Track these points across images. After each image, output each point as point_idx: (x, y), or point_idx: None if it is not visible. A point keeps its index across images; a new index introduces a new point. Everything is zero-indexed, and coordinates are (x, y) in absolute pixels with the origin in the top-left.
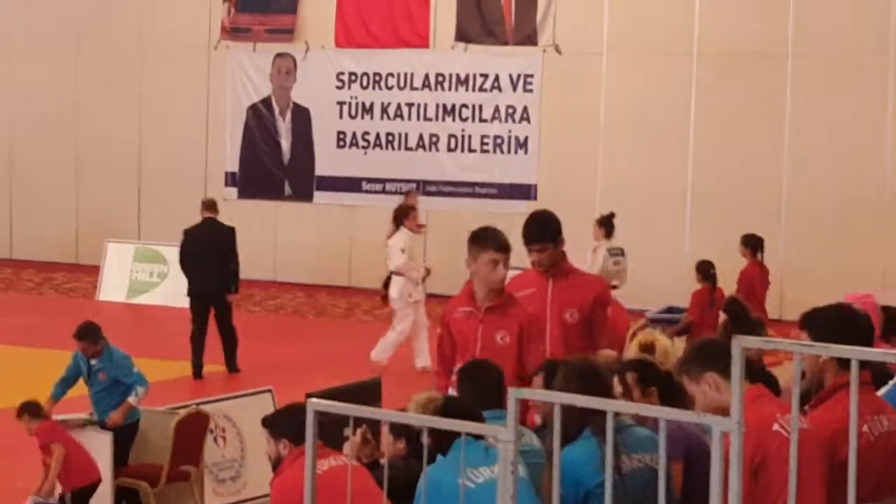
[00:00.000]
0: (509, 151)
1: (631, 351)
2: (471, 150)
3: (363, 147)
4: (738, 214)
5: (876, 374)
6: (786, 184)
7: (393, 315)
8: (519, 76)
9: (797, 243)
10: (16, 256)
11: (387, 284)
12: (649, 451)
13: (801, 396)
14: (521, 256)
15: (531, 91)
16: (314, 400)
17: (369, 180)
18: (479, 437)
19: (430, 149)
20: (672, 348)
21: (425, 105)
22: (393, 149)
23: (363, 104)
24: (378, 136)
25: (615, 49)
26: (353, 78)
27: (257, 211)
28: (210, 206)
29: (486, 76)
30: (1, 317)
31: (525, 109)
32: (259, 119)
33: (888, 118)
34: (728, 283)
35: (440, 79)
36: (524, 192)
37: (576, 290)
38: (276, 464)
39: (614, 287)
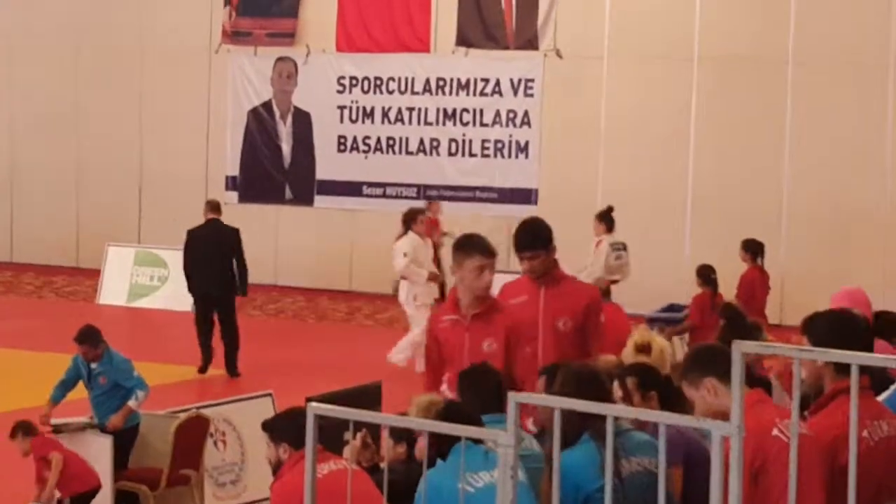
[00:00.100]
0: (510, 156)
1: (627, 351)
2: (471, 155)
3: (364, 151)
4: (738, 219)
5: (876, 379)
6: (786, 189)
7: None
8: (520, 81)
9: (797, 248)
10: (16, 259)
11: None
12: (648, 455)
13: (800, 401)
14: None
15: (532, 95)
16: (314, 404)
17: (370, 184)
18: (478, 442)
19: (431, 153)
20: (669, 348)
21: (426, 109)
22: (394, 153)
23: (364, 108)
24: (379, 140)
25: (616, 54)
26: (353, 82)
27: (258, 215)
28: (214, 207)
29: (486, 80)
30: (1, 320)
31: (526, 114)
32: (260, 123)
33: (888, 125)
34: (728, 288)
35: (441, 83)
36: (525, 196)
37: (568, 297)
38: (277, 468)
39: (615, 281)
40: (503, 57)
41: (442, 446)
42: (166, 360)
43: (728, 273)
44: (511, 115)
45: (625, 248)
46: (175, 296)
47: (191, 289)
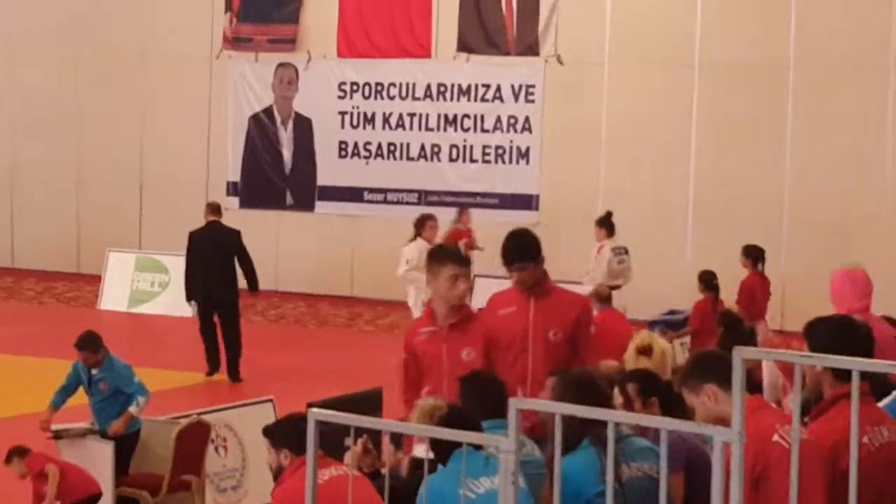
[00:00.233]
0: (511, 162)
1: (629, 354)
2: (472, 161)
3: (365, 157)
4: (739, 225)
5: (879, 384)
6: (787, 194)
7: None
8: (521, 86)
9: (798, 253)
10: (17, 265)
11: None
12: (648, 461)
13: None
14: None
15: (533, 101)
16: (315, 410)
17: (371, 190)
18: (478, 448)
19: (432, 159)
20: (670, 350)
21: (427, 115)
22: (395, 159)
23: (365, 114)
24: (380, 146)
25: (617, 60)
26: (354, 88)
27: (259, 220)
28: (215, 209)
29: (487, 86)
30: (2, 326)
31: (527, 120)
32: (261, 129)
33: (889, 130)
34: (729, 294)
35: (442, 89)
36: (526, 202)
37: (559, 308)
38: (277, 473)
39: (618, 286)
40: (504, 63)
41: (442, 451)
42: (167, 366)
43: (729, 278)
44: (512, 120)
45: (626, 252)
46: (176, 302)
47: (193, 292)
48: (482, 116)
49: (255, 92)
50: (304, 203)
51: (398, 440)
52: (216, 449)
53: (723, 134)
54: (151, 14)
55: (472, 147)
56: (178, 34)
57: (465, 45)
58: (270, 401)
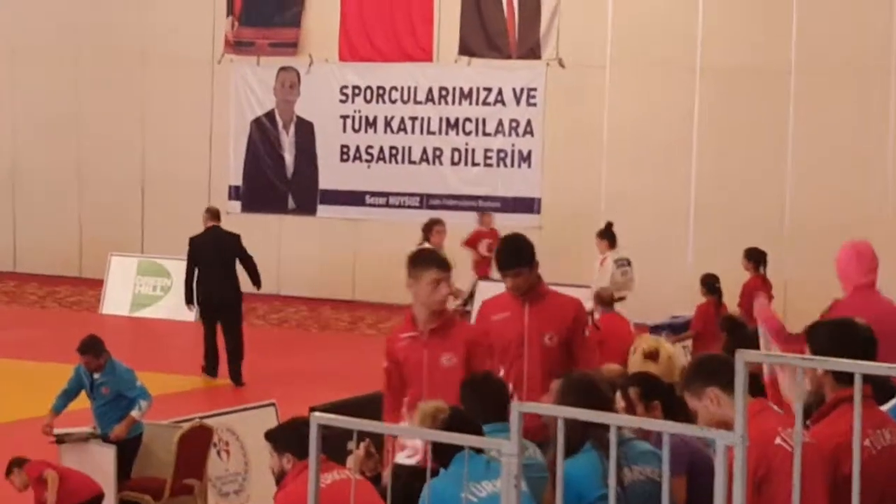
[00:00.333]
0: (513, 165)
1: (635, 359)
2: (474, 164)
3: (367, 161)
4: (741, 228)
5: (883, 387)
6: (788, 197)
7: None
8: (522, 90)
9: (800, 256)
10: (19, 270)
11: None
12: (650, 464)
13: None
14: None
15: (534, 105)
16: (317, 414)
17: (373, 194)
18: (479, 451)
19: (434, 162)
20: (677, 355)
21: (429, 119)
22: (396, 162)
23: (367, 118)
24: (381, 149)
25: (618, 63)
26: (356, 91)
27: (261, 224)
28: (214, 214)
29: (489, 90)
30: (4, 330)
31: (528, 123)
32: (262, 133)
33: (890, 133)
34: (731, 297)
35: (444, 92)
36: (528, 205)
37: (554, 312)
38: (280, 477)
39: (621, 298)
40: (506, 66)
41: (445, 455)
42: (169, 370)
43: (731, 282)
44: (514, 124)
45: (629, 263)
46: (178, 306)
47: (196, 297)
48: (484, 120)
49: (257, 96)
50: (306, 207)
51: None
52: (218, 453)
53: (724, 137)
54: (153, 17)
55: (473, 150)
56: (180, 37)
57: (466, 49)
58: (273, 405)
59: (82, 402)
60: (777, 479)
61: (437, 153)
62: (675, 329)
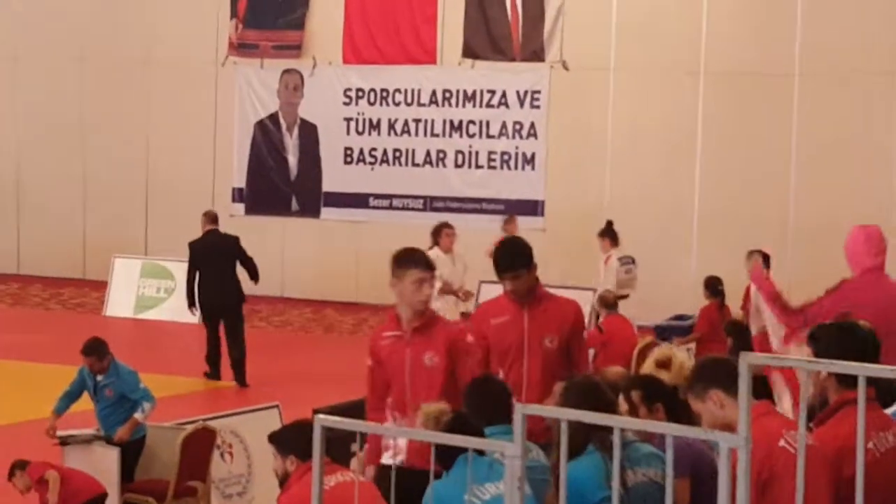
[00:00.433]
0: (516, 167)
1: (647, 367)
2: (478, 166)
3: (370, 163)
4: (745, 231)
5: (889, 390)
6: (792, 199)
7: None
8: (526, 92)
9: (804, 259)
10: (23, 272)
11: None
12: (653, 467)
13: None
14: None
15: (538, 107)
16: (321, 416)
17: (376, 196)
18: (481, 453)
19: (438, 165)
20: (689, 363)
21: (432, 121)
22: (400, 165)
23: (370, 120)
24: (385, 152)
25: (622, 66)
26: (360, 94)
27: (264, 227)
28: (212, 218)
29: (493, 92)
30: (8, 332)
31: (532, 125)
32: (266, 135)
33: (894, 135)
34: (735, 300)
35: (447, 95)
36: (531, 208)
37: (553, 315)
38: (283, 480)
39: (624, 297)
40: (509, 69)
41: (447, 457)
42: (173, 372)
43: (734, 284)
44: (517, 126)
45: (633, 261)
46: (182, 308)
47: (198, 301)
48: (487, 122)
49: (261, 98)
50: (310, 209)
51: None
52: (222, 455)
53: (728, 140)
54: (157, 20)
55: (477, 153)
56: (184, 40)
57: (470, 51)
58: (276, 407)
59: (86, 404)
60: (781, 481)
61: (441, 155)
62: (679, 332)
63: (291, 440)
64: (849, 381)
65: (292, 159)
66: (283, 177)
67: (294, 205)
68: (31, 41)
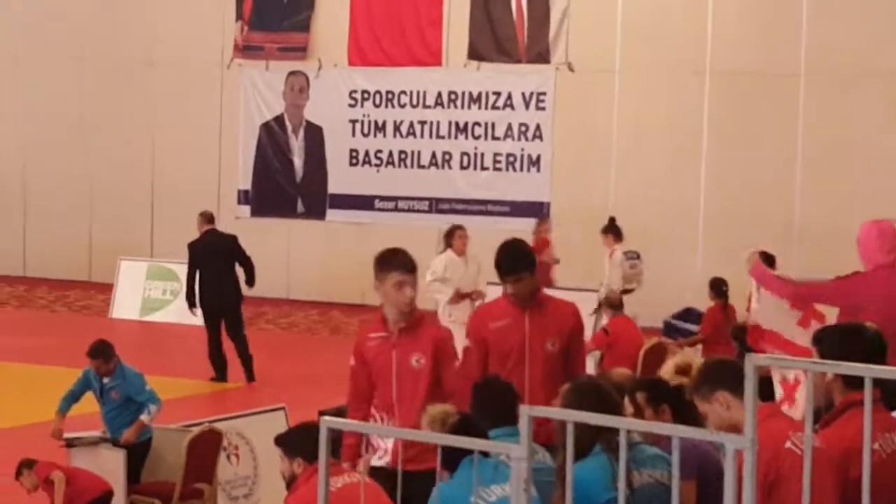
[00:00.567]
0: (522, 169)
1: (667, 373)
2: (483, 168)
3: (376, 165)
4: (750, 231)
5: (893, 391)
6: (798, 200)
7: None
8: (531, 94)
9: (810, 261)
10: (29, 274)
11: None
12: (659, 468)
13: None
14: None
15: (544, 109)
16: (327, 418)
17: (382, 198)
18: (487, 455)
19: (443, 166)
20: None
21: (438, 123)
22: (406, 167)
23: (376, 122)
24: (391, 153)
25: (628, 67)
26: (365, 96)
27: (270, 229)
28: (209, 218)
29: (498, 94)
30: (14, 334)
31: (538, 127)
32: (272, 137)
33: None
34: (740, 301)
35: (453, 97)
36: (537, 209)
37: (554, 318)
38: (291, 482)
39: (631, 290)
40: (515, 70)
41: (453, 459)
42: (179, 374)
43: (740, 285)
44: (523, 128)
45: (638, 256)
46: (187, 310)
47: (200, 301)
48: (493, 124)
49: (266, 100)
50: (315, 211)
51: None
52: (228, 457)
53: (733, 140)
54: (162, 22)
55: (482, 155)
56: (189, 42)
57: (475, 53)
58: (282, 409)
59: (92, 406)
60: (787, 483)
61: (447, 157)
62: (686, 333)
63: (298, 442)
64: (855, 383)
65: (298, 161)
66: (288, 179)
67: (300, 207)
68: (34, 42)
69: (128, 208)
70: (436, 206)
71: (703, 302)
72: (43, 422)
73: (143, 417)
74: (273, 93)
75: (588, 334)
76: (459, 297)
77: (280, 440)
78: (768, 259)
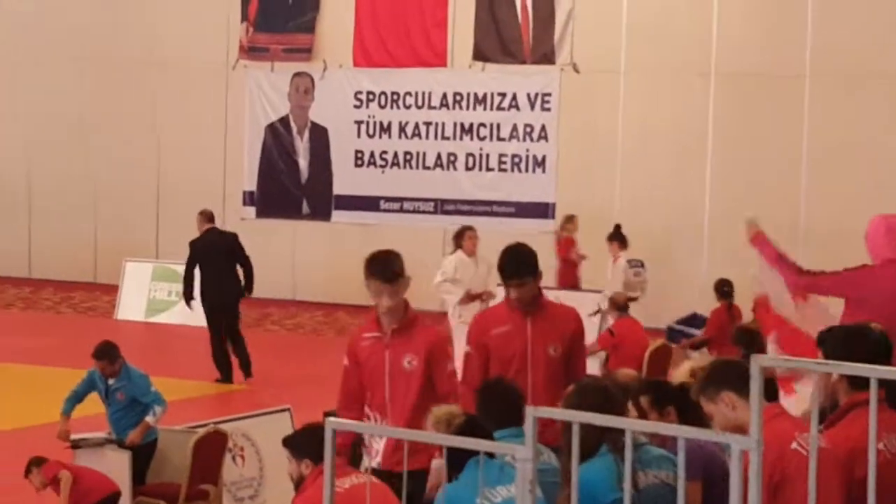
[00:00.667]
0: (527, 170)
1: (681, 376)
2: (489, 169)
3: (381, 166)
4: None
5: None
6: (803, 201)
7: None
8: (537, 95)
9: (815, 260)
10: (34, 275)
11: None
12: (664, 469)
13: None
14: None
15: (549, 110)
16: (332, 419)
17: (387, 199)
18: (492, 456)
19: (448, 168)
20: None
21: (443, 124)
22: (411, 168)
23: (381, 123)
24: (396, 155)
25: (633, 68)
26: (370, 97)
27: (275, 230)
28: (209, 217)
29: (503, 95)
30: (19, 336)
31: (543, 128)
32: (277, 138)
33: None
34: (746, 302)
35: (458, 98)
36: (542, 210)
37: (556, 323)
38: (299, 483)
39: (634, 298)
40: (520, 71)
41: (458, 460)
42: (184, 376)
43: (746, 287)
44: (528, 129)
45: (642, 264)
46: (193, 311)
47: (200, 301)
48: (498, 125)
49: (271, 101)
50: (321, 212)
51: None
52: (233, 458)
53: (739, 141)
54: (167, 23)
55: (488, 156)
56: (194, 44)
57: (480, 54)
58: (287, 410)
59: (98, 407)
60: (793, 483)
61: (452, 158)
62: (689, 337)
63: (306, 444)
64: (860, 384)
65: (303, 162)
66: (293, 180)
67: (305, 208)
68: (39, 42)
69: (133, 209)
70: (441, 207)
71: (708, 302)
72: (48, 423)
73: (149, 419)
74: (278, 94)
75: (589, 336)
76: (470, 297)
77: (288, 441)
78: None
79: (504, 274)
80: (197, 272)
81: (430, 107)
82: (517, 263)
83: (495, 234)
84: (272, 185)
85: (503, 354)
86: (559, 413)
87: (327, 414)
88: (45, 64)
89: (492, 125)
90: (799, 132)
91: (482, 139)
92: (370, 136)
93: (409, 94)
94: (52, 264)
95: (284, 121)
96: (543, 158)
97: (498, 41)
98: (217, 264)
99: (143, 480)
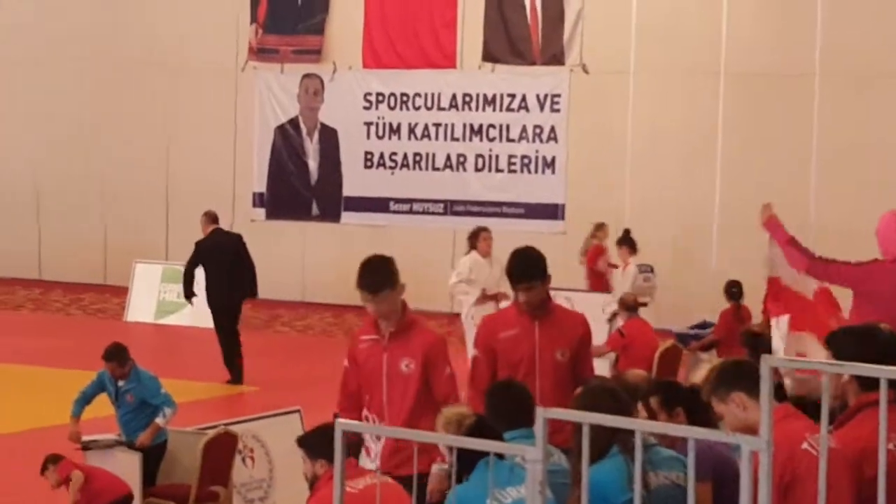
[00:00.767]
0: (536, 171)
1: (699, 379)
2: (498, 170)
3: (390, 167)
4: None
5: None
6: (813, 202)
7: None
8: (546, 96)
9: None
10: (44, 277)
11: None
12: (675, 469)
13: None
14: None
15: (558, 111)
16: (342, 420)
17: (397, 200)
18: (502, 457)
19: (458, 169)
20: None
21: (452, 125)
22: (420, 169)
23: (390, 124)
24: (405, 156)
25: (642, 68)
26: (380, 98)
27: (285, 231)
28: (213, 218)
29: (513, 96)
30: (29, 337)
31: (552, 129)
32: (286, 140)
33: None
34: (755, 303)
35: (467, 99)
36: (551, 211)
37: (564, 327)
38: (313, 483)
39: (644, 304)
40: (529, 72)
41: (468, 461)
42: (194, 377)
43: (755, 288)
44: (537, 130)
45: (652, 270)
46: (203, 312)
47: (207, 301)
48: (507, 126)
49: (281, 103)
50: (330, 213)
51: None
52: (243, 460)
53: (748, 142)
54: (176, 26)
55: (497, 157)
56: (204, 45)
57: (490, 55)
58: (298, 411)
59: (108, 409)
60: (803, 484)
61: (461, 159)
62: (698, 340)
63: (321, 444)
64: (869, 384)
65: (313, 164)
66: (303, 181)
67: (314, 209)
68: (50, 47)
69: (142, 211)
70: (450, 208)
71: (717, 302)
72: (58, 425)
73: (159, 420)
74: (288, 95)
75: (601, 338)
76: (485, 298)
77: (302, 441)
78: None
79: (512, 277)
80: (201, 273)
81: (439, 108)
82: (525, 266)
83: (505, 236)
84: (282, 186)
85: (511, 358)
86: (569, 414)
87: (337, 415)
88: (53, 65)
89: (501, 126)
90: (809, 132)
91: (491, 140)
92: (379, 138)
93: (418, 95)
94: (61, 266)
95: (294, 122)
96: (553, 159)
97: (507, 42)
98: (222, 265)
99: (153, 482)
